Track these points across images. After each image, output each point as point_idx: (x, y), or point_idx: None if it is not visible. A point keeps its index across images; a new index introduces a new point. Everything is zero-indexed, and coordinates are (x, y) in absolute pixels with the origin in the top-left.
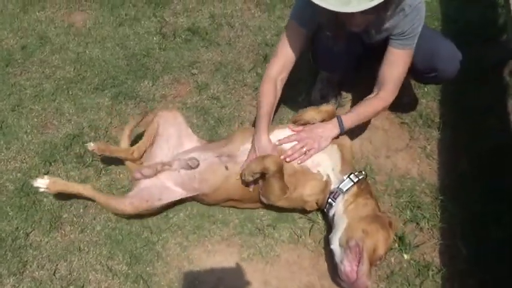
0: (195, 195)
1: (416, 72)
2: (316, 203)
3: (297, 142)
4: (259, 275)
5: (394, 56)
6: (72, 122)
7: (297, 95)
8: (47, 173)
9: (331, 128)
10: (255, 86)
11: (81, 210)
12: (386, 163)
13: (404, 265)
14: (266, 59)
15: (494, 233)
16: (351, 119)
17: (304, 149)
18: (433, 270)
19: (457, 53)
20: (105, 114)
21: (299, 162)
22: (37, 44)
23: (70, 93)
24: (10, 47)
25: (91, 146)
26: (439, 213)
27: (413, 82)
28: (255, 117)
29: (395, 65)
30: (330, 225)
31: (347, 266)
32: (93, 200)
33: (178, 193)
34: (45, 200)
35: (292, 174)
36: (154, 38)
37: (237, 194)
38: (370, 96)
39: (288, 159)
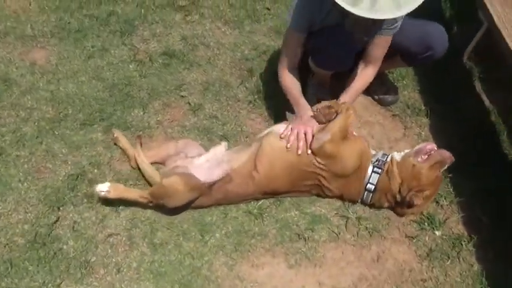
0: (226, 178)
1: (411, 56)
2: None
3: None
4: (311, 278)
5: (381, 40)
6: (69, 162)
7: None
8: (57, 219)
9: None
10: (248, 100)
11: (109, 250)
12: (392, 153)
13: (439, 241)
14: (251, 73)
15: (509, 199)
16: (351, 96)
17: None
18: (464, 241)
19: (444, 32)
20: (103, 148)
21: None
22: (2, 87)
23: (56, 133)
24: None
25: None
26: (451, 189)
27: (392, 78)
28: (292, 103)
29: (380, 47)
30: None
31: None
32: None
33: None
34: (65, 247)
35: None
36: (131, 66)
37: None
38: (359, 71)
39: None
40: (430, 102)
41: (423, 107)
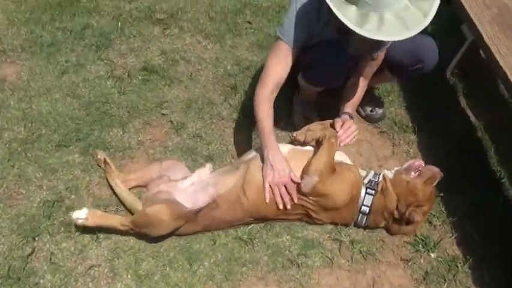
0: (212, 205)
1: (401, 68)
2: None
3: None
4: None
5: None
6: (44, 187)
7: (276, 121)
8: (33, 251)
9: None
10: (232, 118)
11: (90, 283)
12: (382, 171)
13: (434, 263)
14: (235, 89)
15: (497, 216)
16: (352, 107)
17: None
18: (460, 263)
19: (435, 45)
20: (81, 171)
21: None
22: None
23: (29, 155)
24: None
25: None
26: (443, 208)
27: (378, 94)
28: (260, 137)
29: (375, 62)
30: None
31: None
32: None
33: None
34: (41, 281)
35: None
36: (108, 82)
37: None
38: (355, 82)
39: None
40: (417, 118)
41: (410, 124)
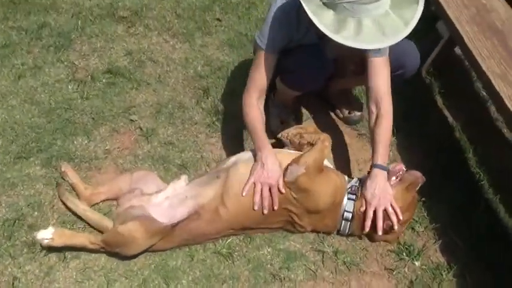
0: (193, 216)
1: None
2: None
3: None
4: None
5: (377, 64)
6: (3, 204)
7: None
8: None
9: (383, 179)
10: (205, 122)
11: None
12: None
13: (419, 272)
14: (207, 92)
15: (478, 219)
16: (383, 157)
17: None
18: (444, 271)
19: (417, 52)
20: (43, 185)
21: None
22: None
23: None
24: None
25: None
26: (425, 214)
27: (355, 95)
28: (252, 139)
29: (381, 74)
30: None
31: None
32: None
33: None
34: None
35: None
36: (70, 87)
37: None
38: (373, 118)
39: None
40: (396, 120)
41: None
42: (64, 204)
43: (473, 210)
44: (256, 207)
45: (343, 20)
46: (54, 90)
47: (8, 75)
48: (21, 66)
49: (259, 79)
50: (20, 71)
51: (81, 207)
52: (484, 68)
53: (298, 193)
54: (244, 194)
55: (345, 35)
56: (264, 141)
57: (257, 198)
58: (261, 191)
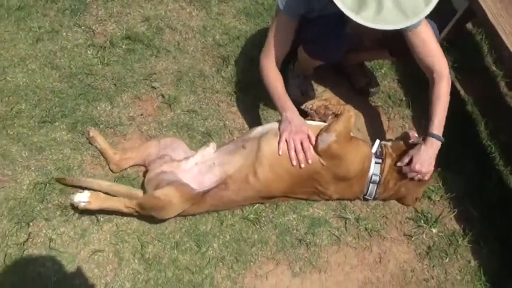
0: (221, 185)
1: (405, 51)
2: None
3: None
4: (317, 285)
5: (415, 37)
6: (33, 168)
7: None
8: (28, 237)
9: (434, 149)
10: (226, 91)
11: (96, 270)
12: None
13: (436, 239)
14: (227, 61)
15: (490, 190)
16: (440, 125)
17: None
18: (460, 237)
19: (438, 32)
20: (71, 150)
21: None
22: None
23: (10, 132)
24: None
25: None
26: (440, 183)
27: (370, 67)
28: (274, 101)
29: (424, 44)
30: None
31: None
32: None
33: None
34: (42, 270)
35: None
36: (89, 52)
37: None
38: (433, 86)
39: None
40: (411, 92)
41: (404, 98)
42: (85, 187)
43: (486, 181)
44: (294, 162)
45: (363, 0)
46: (73, 55)
47: (26, 39)
48: (38, 30)
49: (277, 43)
50: (37, 34)
51: (105, 184)
52: (507, 44)
53: (329, 161)
54: (280, 153)
55: (365, 15)
56: (287, 102)
57: (292, 153)
58: (294, 146)
